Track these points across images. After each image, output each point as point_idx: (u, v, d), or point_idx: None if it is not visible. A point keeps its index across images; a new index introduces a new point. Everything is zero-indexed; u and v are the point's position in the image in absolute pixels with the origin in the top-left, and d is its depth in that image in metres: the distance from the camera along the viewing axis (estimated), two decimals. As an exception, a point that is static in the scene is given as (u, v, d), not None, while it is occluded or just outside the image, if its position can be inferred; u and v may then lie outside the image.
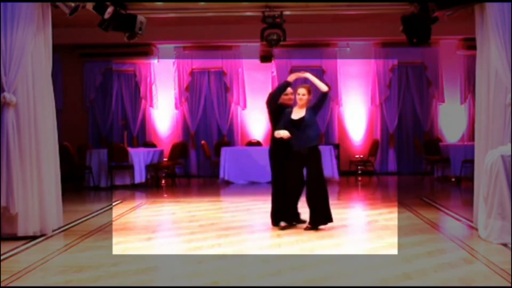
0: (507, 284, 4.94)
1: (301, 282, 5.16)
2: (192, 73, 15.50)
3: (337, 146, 14.53)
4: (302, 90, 7.44)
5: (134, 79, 15.63)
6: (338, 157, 14.20)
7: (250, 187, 12.94)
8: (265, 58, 13.77)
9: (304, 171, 7.42)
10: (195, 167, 15.58)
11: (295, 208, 7.57)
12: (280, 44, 9.71)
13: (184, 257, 6.21)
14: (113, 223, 8.30)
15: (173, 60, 15.45)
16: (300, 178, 7.39)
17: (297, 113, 7.39)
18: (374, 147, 14.76)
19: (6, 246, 6.54)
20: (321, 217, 7.38)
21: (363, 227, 8.14)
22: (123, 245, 6.73)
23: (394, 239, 6.80)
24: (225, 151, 13.61)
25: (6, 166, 6.94)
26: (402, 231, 7.32)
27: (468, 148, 11.91)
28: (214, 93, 15.55)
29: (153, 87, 15.57)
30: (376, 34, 14.18)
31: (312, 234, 7.23)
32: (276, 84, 15.27)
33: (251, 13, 9.84)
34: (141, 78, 15.55)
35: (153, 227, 8.07)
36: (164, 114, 15.68)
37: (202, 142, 14.75)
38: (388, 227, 7.64)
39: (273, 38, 9.42)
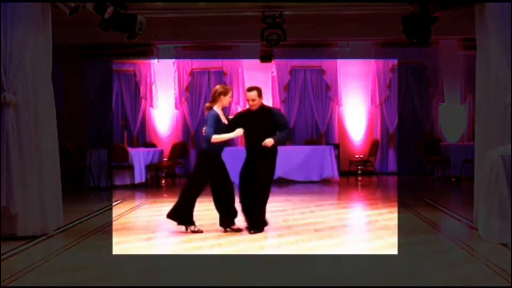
0: (507, 284, 4.94)
1: (301, 282, 5.16)
2: (192, 73, 15.49)
3: (337, 146, 14.51)
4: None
5: (134, 79, 15.62)
6: (338, 157, 14.20)
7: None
8: (265, 58, 13.75)
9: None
10: (195, 167, 15.56)
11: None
12: (280, 44, 9.72)
13: (184, 257, 6.21)
14: (113, 223, 8.30)
15: (173, 60, 15.43)
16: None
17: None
18: (374, 147, 14.75)
19: (6, 246, 6.54)
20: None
21: (363, 227, 8.15)
22: (123, 245, 6.72)
23: (394, 239, 6.80)
24: (225, 151, 13.52)
25: (6, 166, 6.94)
26: (402, 231, 7.32)
27: (468, 148, 11.90)
28: (214, 93, 15.52)
29: (153, 87, 15.55)
30: (376, 34, 14.14)
31: (312, 234, 7.24)
32: (276, 84, 15.35)
33: (251, 13, 9.84)
34: (141, 78, 15.54)
35: (153, 227, 8.07)
36: (164, 114, 15.67)
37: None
38: (388, 227, 7.64)
39: (273, 38, 9.42)
